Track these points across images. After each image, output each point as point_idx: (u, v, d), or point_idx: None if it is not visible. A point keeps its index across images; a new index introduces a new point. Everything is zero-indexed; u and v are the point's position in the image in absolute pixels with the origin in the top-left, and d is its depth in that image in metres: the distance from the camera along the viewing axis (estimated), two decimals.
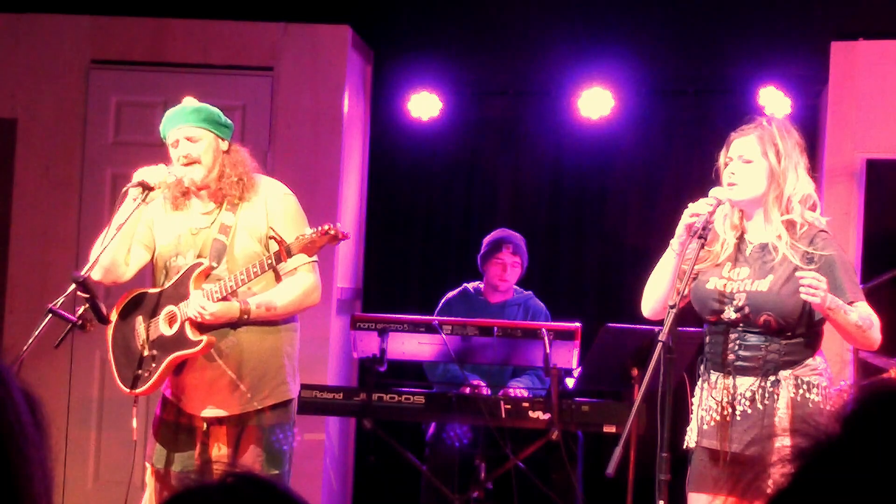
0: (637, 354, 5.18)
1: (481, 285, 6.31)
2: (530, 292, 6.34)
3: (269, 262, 4.28)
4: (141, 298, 4.55)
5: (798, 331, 3.97)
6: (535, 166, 7.18)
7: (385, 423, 5.49)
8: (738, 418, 3.97)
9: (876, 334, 3.94)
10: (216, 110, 4.54)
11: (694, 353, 4.46)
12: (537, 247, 7.10)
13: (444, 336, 5.40)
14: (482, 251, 6.32)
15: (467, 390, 5.68)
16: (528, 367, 6.05)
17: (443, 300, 6.30)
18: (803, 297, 3.80)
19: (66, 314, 4.21)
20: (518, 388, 5.95)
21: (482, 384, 5.85)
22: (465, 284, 6.33)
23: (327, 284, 5.89)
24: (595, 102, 6.76)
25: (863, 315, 3.90)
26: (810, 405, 3.93)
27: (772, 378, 3.95)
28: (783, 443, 1.08)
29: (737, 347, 4.00)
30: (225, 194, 4.46)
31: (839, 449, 1.03)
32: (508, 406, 5.40)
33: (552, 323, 5.54)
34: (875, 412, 1.05)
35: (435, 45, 7.04)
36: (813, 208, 4.05)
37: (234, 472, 1.22)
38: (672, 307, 3.89)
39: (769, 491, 1.04)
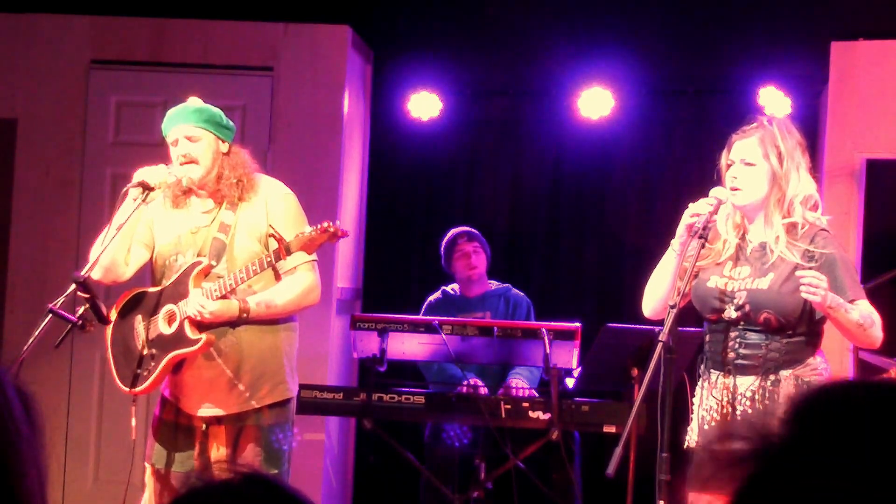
0: (637, 354, 5.18)
1: (458, 286, 6.36)
2: (508, 284, 6.38)
3: (269, 260, 4.29)
4: (140, 297, 4.55)
5: (798, 329, 3.97)
6: (535, 166, 7.18)
7: (385, 423, 5.49)
8: (739, 418, 3.97)
9: (877, 332, 3.94)
10: (218, 111, 4.53)
11: (694, 353, 4.46)
12: (537, 247, 7.11)
13: (443, 336, 5.40)
14: (443, 255, 6.41)
15: (465, 389, 5.68)
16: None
17: (424, 305, 6.33)
18: (804, 295, 3.80)
19: (66, 314, 4.21)
20: (518, 381, 5.95)
21: (479, 383, 5.85)
22: (443, 287, 6.38)
23: (327, 284, 5.88)
24: (595, 102, 6.76)
25: (864, 313, 3.89)
26: None
27: (772, 378, 3.95)
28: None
29: (737, 346, 4.00)
30: (224, 195, 4.46)
31: (788, 448, 1.02)
32: (508, 406, 5.40)
33: (552, 323, 5.53)
34: (820, 409, 1.04)
35: (435, 45, 7.04)
36: (814, 208, 4.05)
37: (239, 471, 1.22)
38: (672, 307, 3.89)
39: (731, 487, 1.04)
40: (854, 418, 1.02)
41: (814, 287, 3.76)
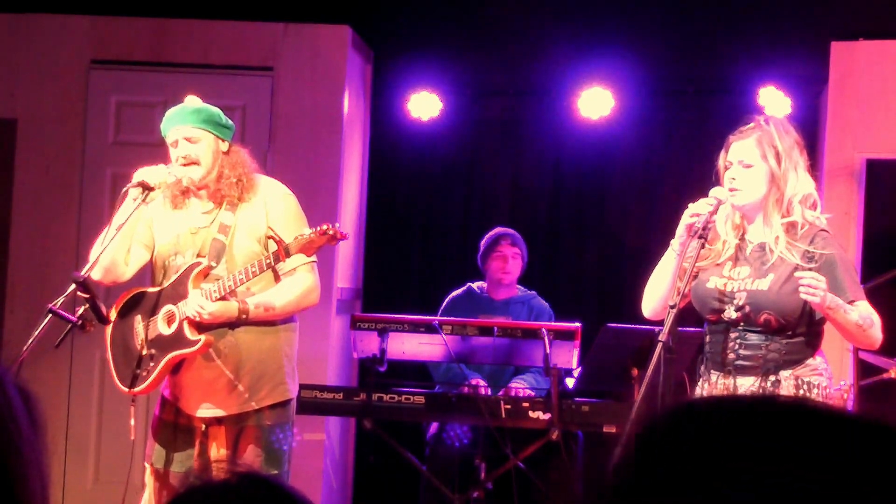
0: (637, 354, 5.18)
1: (485, 285, 6.33)
2: (534, 292, 6.36)
3: (268, 261, 4.29)
4: (140, 298, 4.55)
5: (798, 330, 3.96)
6: (535, 166, 7.18)
7: (385, 423, 5.49)
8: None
9: (877, 333, 3.94)
10: (217, 111, 4.53)
11: (694, 353, 4.46)
12: (537, 247, 7.11)
13: (444, 336, 5.40)
14: (481, 250, 6.35)
15: (466, 390, 5.68)
16: (528, 367, 6.05)
17: (447, 299, 6.31)
18: (802, 296, 3.80)
19: (66, 314, 4.21)
20: (520, 387, 5.95)
21: (482, 384, 5.85)
22: (469, 284, 6.35)
23: (327, 284, 5.88)
24: (595, 102, 6.76)
25: (863, 314, 3.89)
26: None
27: (772, 378, 3.95)
28: None
29: (737, 346, 4.00)
30: (224, 195, 4.46)
31: (633, 480, 1.00)
32: (508, 406, 5.40)
33: (552, 323, 5.53)
34: (658, 436, 1.02)
35: (435, 45, 7.04)
36: (813, 207, 4.05)
37: (237, 471, 1.22)
38: (672, 307, 3.89)
39: None
40: (682, 445, 0.99)
41: (812, 288, 3.76)
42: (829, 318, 3.88)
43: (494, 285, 6.31)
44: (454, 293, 6.34)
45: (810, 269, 3.89)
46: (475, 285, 6.34)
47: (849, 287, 3.92)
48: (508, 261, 6.28)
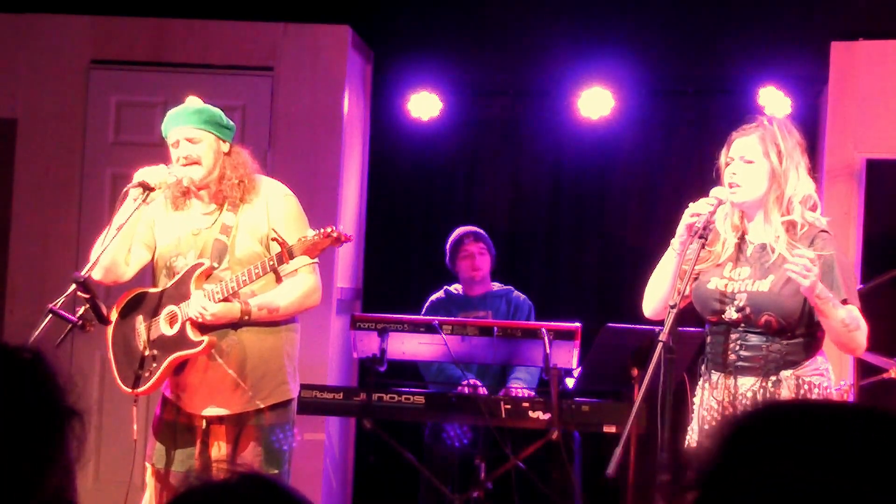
0: (637, 354, 5.18)
1: (460, 286, 6.37)
2: (511, 287, 6.39)
3: (271, 263, 4.29)
4: (141, 298, 4.55)
5: (799, 331, 3.96)
6: (535, 166, 7.19)
7: (385, 423, 5.49)
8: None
9: (860, 338, 3.92)
10: (218, 111, 4.53)
11: (694, 353, 4.45)
12: (537, 247, 7.11)
13: (443, 336, 5.40)
14: (448, 254, 6.41)
15: (466, 390, 5.68)
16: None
17: (427, 303, 6.34)
18: (790, 274, 3.78)
19: (66, 314, 4.21)
20: (517, 385, 5.95)
21: (478, 383, 5.85)
22: (446, 287, 6.39)
23: (327, 284, 5.88)
24: (595, 102, 6.77)
25: (852, 315, 3.89)
26: None
27: (773, 378, 3.95)
28: None
29: (738, 347, 4.00)
30: (225, 196, 4.47)
31: (721, 471, 1.03)
32: (508, 406, 5.40)
33: (552, 323, 5.53)
34: (745, 431, 1.04)
35: (435, 45, 7.05)
36: (813, 208, 4.04)
37: (237, 472, 1.22)
38: (672, 307, 3.89)
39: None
40: (772, 438, 1.02)
41: (807, 269, 3.74)
42: (818, 310, 3.86)
43: (468, 284, 6.35)
44: (433, 297, 6.37)
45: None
46: (451, 287, 6.38)
47: (843, 289, 3.91)
48: (476, 257, 6.33)
